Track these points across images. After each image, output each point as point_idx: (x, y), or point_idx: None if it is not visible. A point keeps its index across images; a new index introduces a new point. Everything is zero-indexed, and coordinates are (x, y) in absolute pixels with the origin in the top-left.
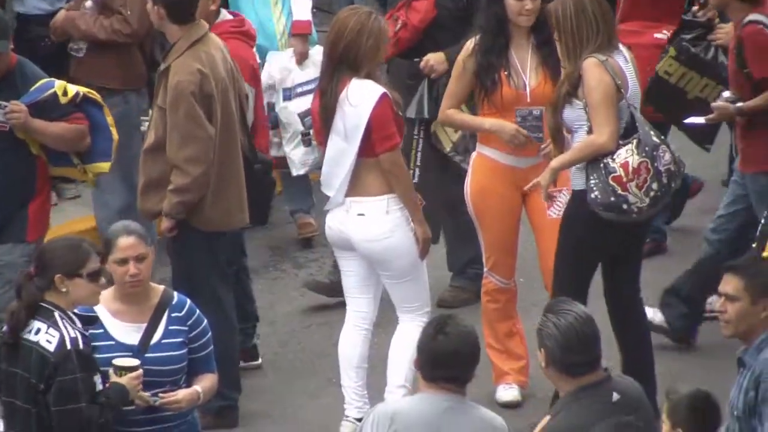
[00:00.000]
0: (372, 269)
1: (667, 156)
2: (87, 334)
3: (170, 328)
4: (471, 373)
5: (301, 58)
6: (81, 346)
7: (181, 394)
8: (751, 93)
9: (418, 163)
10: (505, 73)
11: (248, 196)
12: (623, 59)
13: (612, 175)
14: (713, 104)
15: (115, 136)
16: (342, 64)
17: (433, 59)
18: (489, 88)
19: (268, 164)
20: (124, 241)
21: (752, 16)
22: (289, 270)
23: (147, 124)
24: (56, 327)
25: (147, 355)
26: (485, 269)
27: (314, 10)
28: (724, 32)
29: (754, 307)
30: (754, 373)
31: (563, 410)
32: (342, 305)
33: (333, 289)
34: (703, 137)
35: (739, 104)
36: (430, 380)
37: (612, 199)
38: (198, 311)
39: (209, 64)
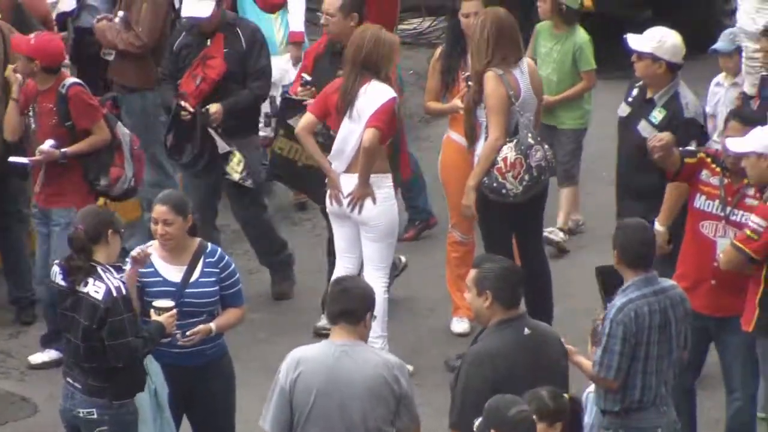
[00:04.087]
0: (358, 236)
1: (539, 154)
2: (125, 281)
3: (205, 270)
4: (362, 310)
5: (296, 61)
6: (123, 292)
7: (199, 330)
8: (70, 141)
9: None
10: (462, 73)
11: None
12: (520, 72)
13: (496, 166)
14: (39, 148)
15: None
16: (363, 68)
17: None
18: (450, 84)
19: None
20: (157, 208)
21: (72, 80)
22: (286, 227)
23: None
24: (101, 279)
25: (186, 290)
26: (450, 226)
27: (307, 22)
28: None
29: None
30: None
31: (485, 337)
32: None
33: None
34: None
35: (63, 149)
36: (333, 322)
37: (495, 185)
38: (227, 257)
39: None
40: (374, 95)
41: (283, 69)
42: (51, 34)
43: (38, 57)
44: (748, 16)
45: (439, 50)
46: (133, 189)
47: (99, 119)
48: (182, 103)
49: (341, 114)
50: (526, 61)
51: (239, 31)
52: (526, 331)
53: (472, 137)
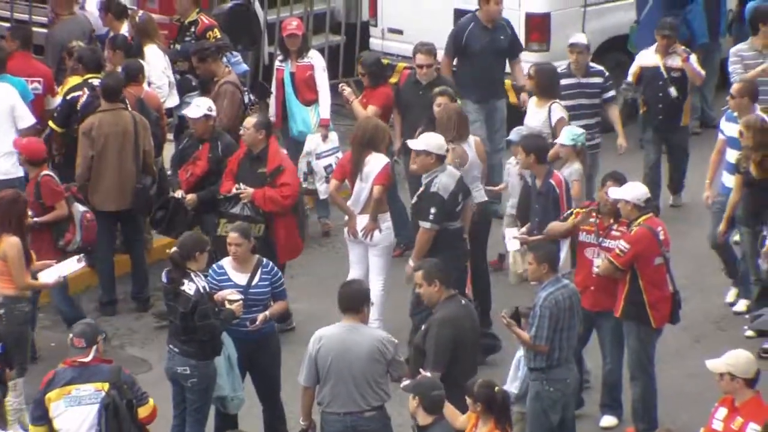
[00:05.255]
0: (365, 254)
1: (468, 200)
2: (209, 282)
3: (262, 277)
4: (360, 304)
5: (324, 138)
6: (208, 290)
7: (261, 318)
8: (42, 213)
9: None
10: None
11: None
12: (467, 145)
13: None
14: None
15: None
16: (367, 146)
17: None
18: None
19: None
20: (231, 235)
21: (45, 172)
22: (317, 248)
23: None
24: (192, 281)
25: (250, 290)
26: None
27: (332, 113)
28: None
29: (539, 266)
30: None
31: (440, 309)
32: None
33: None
34: None
35: (35, 219)
36: (343, 312)
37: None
38: (276, 268)
39: None
40: (376, 163)
41: (316, 143)
42: (37, 140)
43: (24, 153)
44: (528, 117)
45: (420, 129)
46: (82, 249)
47: (60, 200)
48: (177, 193)
49: (354, 178)
50: (473, 138)
51: (219, 144)
52: (463, 301)
53: None
